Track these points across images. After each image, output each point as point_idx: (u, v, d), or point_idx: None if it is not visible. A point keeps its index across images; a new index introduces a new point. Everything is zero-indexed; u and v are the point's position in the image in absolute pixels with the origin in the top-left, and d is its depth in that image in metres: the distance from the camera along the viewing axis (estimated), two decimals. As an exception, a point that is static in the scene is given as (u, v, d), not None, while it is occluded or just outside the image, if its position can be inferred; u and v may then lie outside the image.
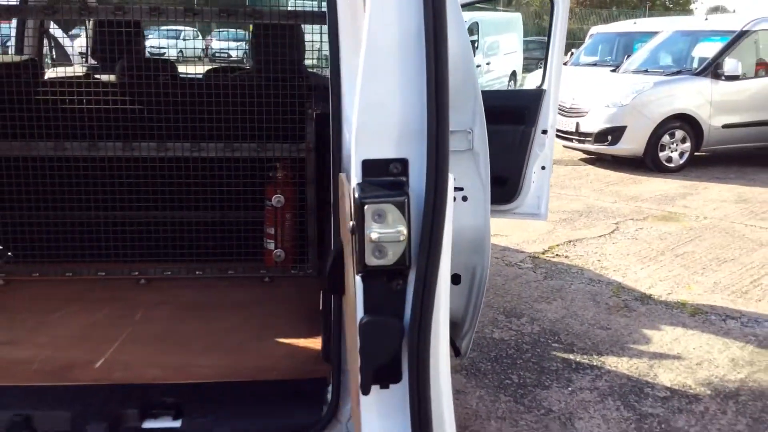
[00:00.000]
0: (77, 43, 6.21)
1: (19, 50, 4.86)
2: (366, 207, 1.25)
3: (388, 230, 1.24)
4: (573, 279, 6.49)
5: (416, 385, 1.27)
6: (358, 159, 1.30)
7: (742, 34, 12.00)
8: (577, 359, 4.90)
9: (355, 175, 1.30)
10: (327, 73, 4.72)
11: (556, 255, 7.18)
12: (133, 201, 4.06)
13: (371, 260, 1.26)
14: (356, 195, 1.28)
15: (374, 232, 1.24)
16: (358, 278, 1.30)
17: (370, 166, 1.29)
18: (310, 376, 2.78)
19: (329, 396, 2.56)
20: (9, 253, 4.26)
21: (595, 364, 4.84)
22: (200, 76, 4.29)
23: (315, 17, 3.95)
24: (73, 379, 2.77)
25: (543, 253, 7.23)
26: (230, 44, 23.10)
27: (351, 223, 1.32)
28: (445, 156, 1.24)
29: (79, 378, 2.78)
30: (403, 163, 1.30)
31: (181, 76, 4.24)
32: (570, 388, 4.51)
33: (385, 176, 1.29)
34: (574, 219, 8.59)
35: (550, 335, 5.27)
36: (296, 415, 2.51)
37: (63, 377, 2.78)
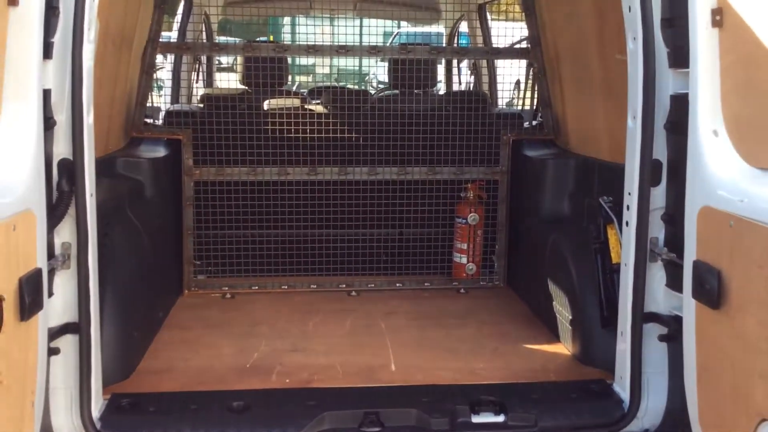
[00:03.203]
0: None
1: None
2: None
3: None
4: None
5: None
6: None
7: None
8: None
9: None
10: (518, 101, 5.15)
11: None
12: (342, 220, 4.44)
13: None
14: None
15: None
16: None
17: None
18: (588, 378, 3.17)
19: (622, 395, 2.96)
20: (209, 268, 4.63)
21: None
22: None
23: (515, 53, 4.37)
24: (382, 381, 3.15)
25: None
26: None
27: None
28: None
29: (386, 379, 3.16)
30: None
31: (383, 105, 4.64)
32: None
33: None
34: None
35: None
36: (603, 412, 2.90)
37: (371, 379, 3.16)
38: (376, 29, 5.07)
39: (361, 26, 6.06)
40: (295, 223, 4.40)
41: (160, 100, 5.49)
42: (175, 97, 5.68)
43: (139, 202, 3.71)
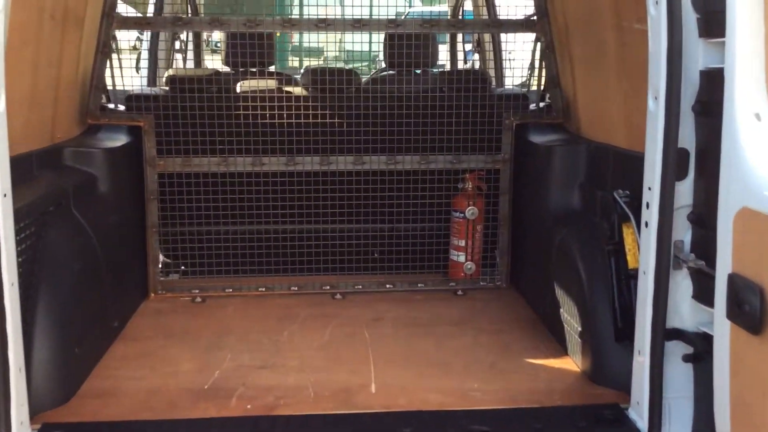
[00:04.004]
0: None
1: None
2: None
3: None
4: None
5: None
6: None
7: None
8: None
9: None
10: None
11: None
12: (325, 215, 4.01)
13: None
14: None
15: None
16: None
17: None
18: (600, 402, 2.74)
19: (638, 423, 2.53)
20: (182, 267, 4.20)
21: None
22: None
23: (520, 26, 3.88)
24: (358, 406, 2.72)
25: None
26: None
27: None
28: None
29: (364, 404, 2.73)
30: None
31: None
32: None
33: None
34: None
35: None
36: (617, 444, 2.48)
37: (348, 403, 2.74)
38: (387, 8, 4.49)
39: (371, 6, 5.59)
40: (273, 218, 3.96)
41: (132, 83, 5.04)
42: (152, 80, 5.24)
43: (88, 198, 3.29)
